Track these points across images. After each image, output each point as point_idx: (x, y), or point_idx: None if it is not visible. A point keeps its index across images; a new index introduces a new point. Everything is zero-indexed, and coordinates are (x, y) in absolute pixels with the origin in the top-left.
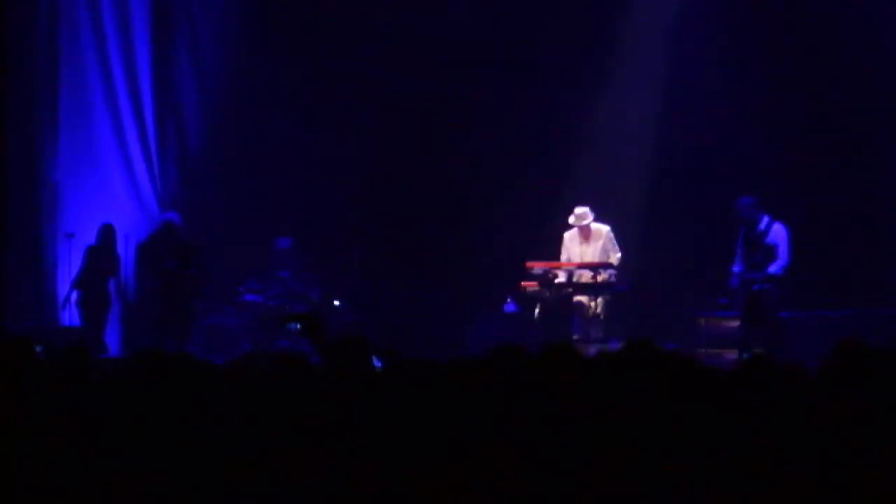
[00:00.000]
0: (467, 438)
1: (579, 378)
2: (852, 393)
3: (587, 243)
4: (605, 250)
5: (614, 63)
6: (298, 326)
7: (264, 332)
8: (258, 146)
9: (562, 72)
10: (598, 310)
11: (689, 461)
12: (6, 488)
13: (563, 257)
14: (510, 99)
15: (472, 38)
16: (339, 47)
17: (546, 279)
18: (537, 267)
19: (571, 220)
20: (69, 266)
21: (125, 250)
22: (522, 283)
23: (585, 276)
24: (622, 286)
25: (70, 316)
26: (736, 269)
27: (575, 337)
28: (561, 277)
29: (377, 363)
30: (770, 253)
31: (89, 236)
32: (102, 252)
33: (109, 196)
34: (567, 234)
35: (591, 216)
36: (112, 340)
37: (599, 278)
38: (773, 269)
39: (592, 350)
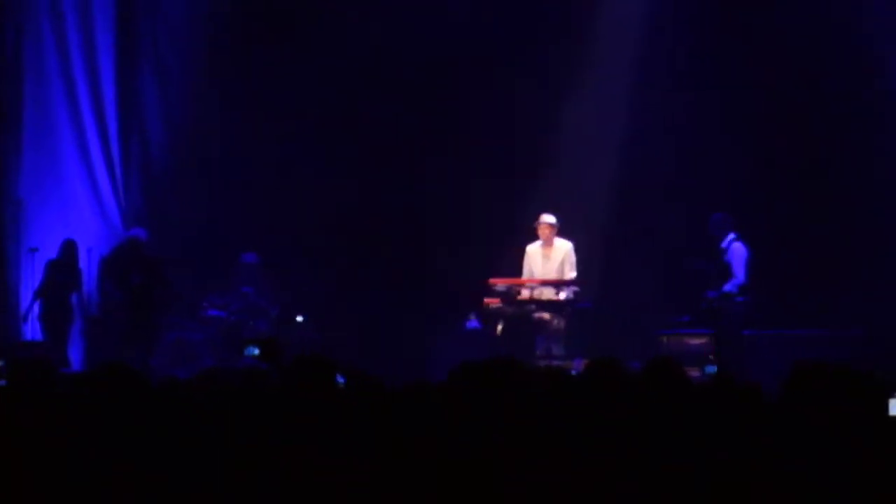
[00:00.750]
0: (430, 457)
1: (539, 396)
2: (809, 412)
3: (548, 258)
4: (561, 267)
5: (578, 80)
6: (256, 352)
7: (227, 348)
8: (222, 161)
9: (525, 89)
10: (561, 326)
11: (654, 481)
12: None
13: (525, 271)
14: (473, 115)
15: (435, 56)
16: (301, 66)
17: (508, 296)
18: (500, 284)
19: (536, 224)
20: (32, 281)
21: (88, 265)
22: (485, 299)
23: (548, 292)
24: (585, 303)
25: (32, 330)
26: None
27: (537, 353)
28: (524, 294)
29: (340, 380)
30: (726, 270)
31: (52, 251)
32: (63, 266)
33: (73, 211)
34: (530, 248)
35: (555, 226)
36: (74, 355)
37: (562, 295)
38: (727, 286)
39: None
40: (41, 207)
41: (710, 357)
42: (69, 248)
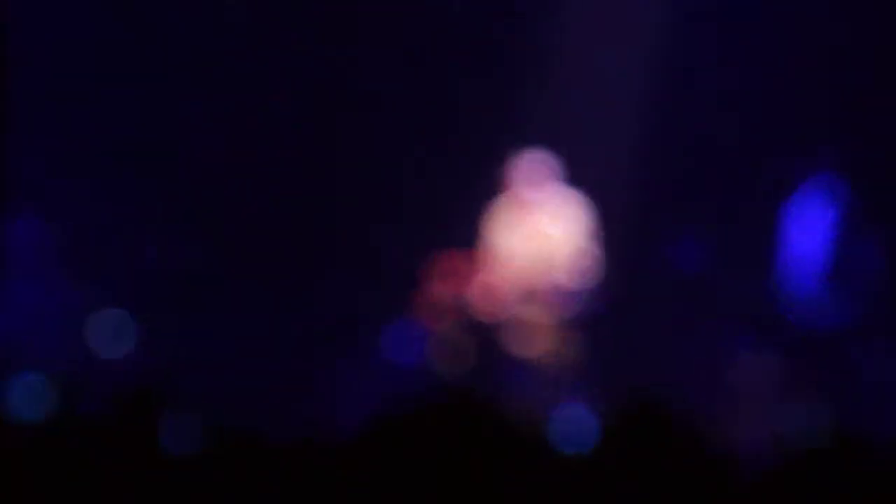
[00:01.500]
0: None
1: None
2: None
3: (539, 225)
4: (562, 241)
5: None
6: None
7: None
8: None
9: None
10: (559, 339)
11: None
12: None
13: (500, 246)
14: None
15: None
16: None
17: (462, 286)
18: (450, 262)
19: (514, 169)
20: None
21: None
22: (422, 291)
23: (537, 282)
24: (598, 303)
25: None
26: None
27: (513, 391)
28: (493, 284)
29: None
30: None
31: None
32: None
33: None
34: (506, 210)
35: (549, 171)
36: None
37: (560, 286)
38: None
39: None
40: None
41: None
42: None
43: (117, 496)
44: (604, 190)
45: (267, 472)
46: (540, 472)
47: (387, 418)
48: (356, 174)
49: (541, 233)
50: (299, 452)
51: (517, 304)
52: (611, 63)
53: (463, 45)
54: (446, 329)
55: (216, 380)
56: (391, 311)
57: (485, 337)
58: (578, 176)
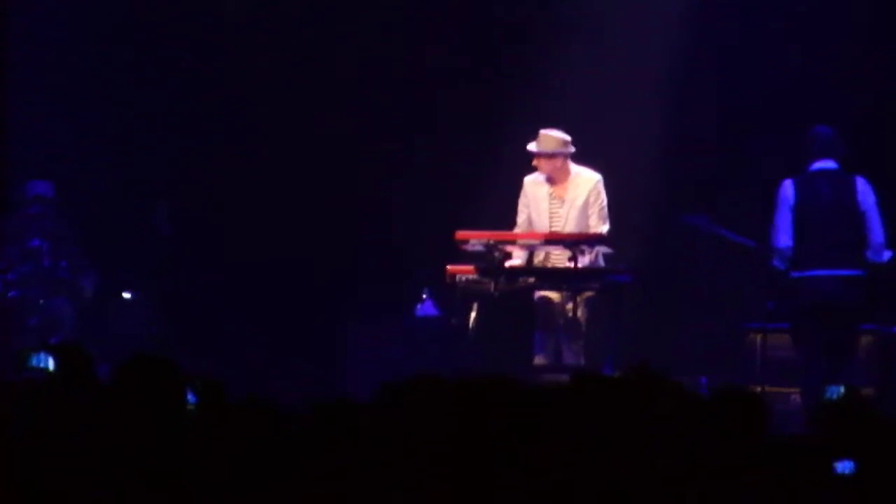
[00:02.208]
0: None
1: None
2: None
3: (561, 200)
4: (583, 214)
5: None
6: (50, 364)
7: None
8: None
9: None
10: (579, 315)
11: None
12: None
13: (521, 220)
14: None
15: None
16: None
17: (489, 260)
18: (474, 239)
19: (532, 147)
20: None
21: None
22: (448, 267)
23: (558, 256)
24: (622, 275)
25: None
26: None
27: (537, 361)
28: (516, 257)
29: (191, 398)
30: None
31: None
32: None
33: None
34: (529, 182)
35: (569, 147)
36: None
37: (583, 261)
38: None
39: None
40: None
41: None
42: None
43: (129, 465)
44: (627, 168)
45: (279, 437)
46: (557, 443)
47: (406, 392)
48: (378, 148)
49: (563, 210)
50: (313, 418)
51: (538, 280)
52: (635, 44)
53: (484, 24)
54: (479, 291)
55: (238, 338)
56: (422, 270)
57: (520, 301)
58: (603, 154)
